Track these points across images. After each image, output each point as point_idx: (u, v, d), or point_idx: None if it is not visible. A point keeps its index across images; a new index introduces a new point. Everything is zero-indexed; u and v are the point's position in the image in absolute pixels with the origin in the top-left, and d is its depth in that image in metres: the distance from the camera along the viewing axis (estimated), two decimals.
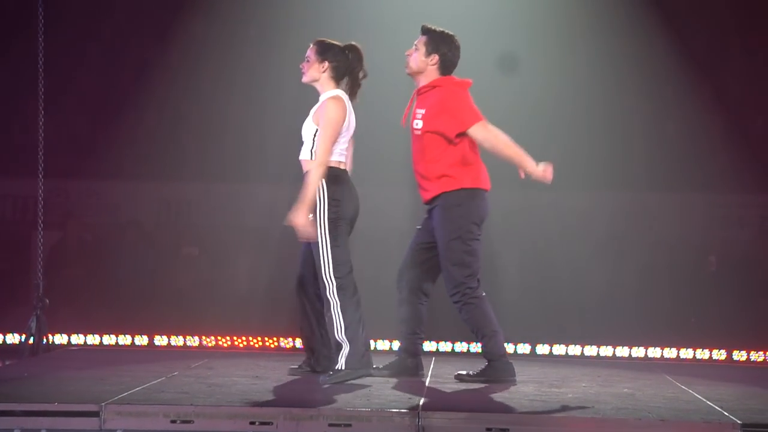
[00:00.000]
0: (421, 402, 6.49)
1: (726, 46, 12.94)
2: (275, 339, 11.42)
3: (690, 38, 12.79)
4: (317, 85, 7.44)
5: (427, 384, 7.32)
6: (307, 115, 7.52)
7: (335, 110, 7.25)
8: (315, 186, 7.15)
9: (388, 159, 10.92)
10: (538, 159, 7.87)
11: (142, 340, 11.42)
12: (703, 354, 11.05)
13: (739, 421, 6.17)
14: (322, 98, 7.40)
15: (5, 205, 12.66)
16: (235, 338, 11.42)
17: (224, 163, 12.42)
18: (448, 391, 7.10)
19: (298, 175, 7.73)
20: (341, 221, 7.20)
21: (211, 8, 12.61)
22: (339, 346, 7.16)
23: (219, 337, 11.43)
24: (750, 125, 12.72)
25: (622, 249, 12.14)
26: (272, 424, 6.06)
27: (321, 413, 6.12)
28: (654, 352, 11.09)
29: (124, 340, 11.42)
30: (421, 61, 7.55)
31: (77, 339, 11.43)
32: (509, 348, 11.41)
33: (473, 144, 7.51)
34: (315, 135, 7.26)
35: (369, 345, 7.32)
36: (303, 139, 7.38)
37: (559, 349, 11.15)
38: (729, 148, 12.07)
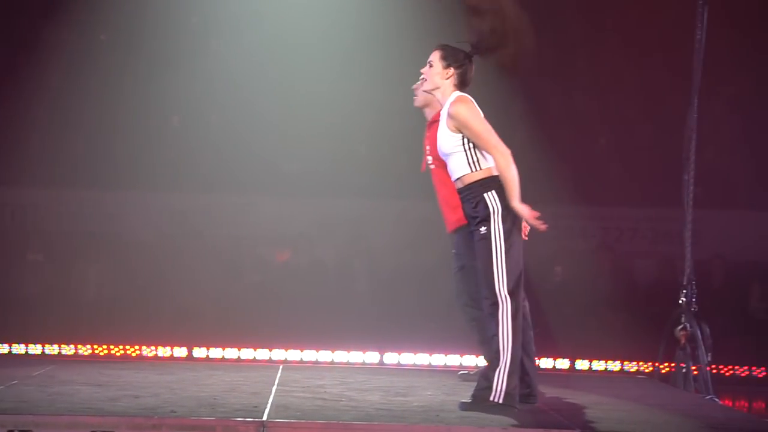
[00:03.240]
0: (267, 410, 6.49)
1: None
2: (122, 347, 11.30)
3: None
4: (438, 93, 6.94)
5: (273, 392, 7.31)
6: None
7: (468, 107, 6.78)
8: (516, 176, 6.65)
9: None
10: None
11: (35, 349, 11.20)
12: (546, 363, 11.26)
13: (578, 431, 6.30)
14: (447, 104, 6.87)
15: None
16: (79, 346, 11.26)
17: (72, 167, 12.25)
18: (295, 399, 7.09)
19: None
20: (515, 231, 6.73)
21: (58, 9, 12.46)
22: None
23: (63, 345, 11.26)
24: (591, 141, 13.04)
25: None
26: None
27: (163, 423, 6.08)
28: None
29: (18, 349, 11.19)
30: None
31: None
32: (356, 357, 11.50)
33: None
34: (465, 141, 6.74)
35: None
36: (445, 156, 6.82)
37: (406, 359, 11.25)
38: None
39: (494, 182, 6.70)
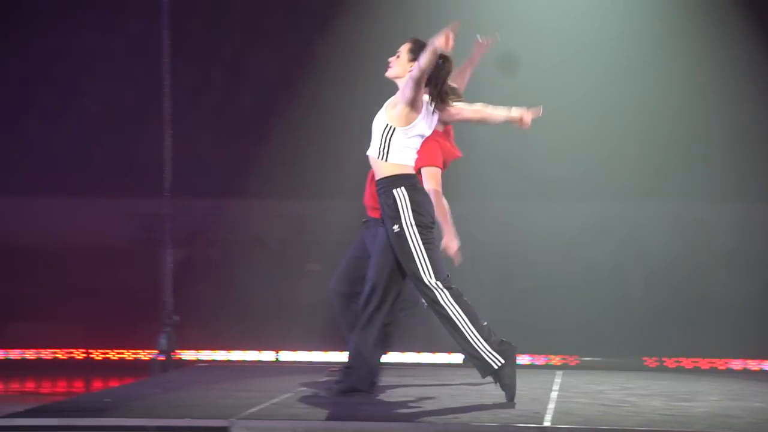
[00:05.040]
0: (548, 416, 6.46)
1: None
2: (402, 353, 11.47)
3: None
4: (400, 82, 7.13)
5: (553, 397, 7.28)
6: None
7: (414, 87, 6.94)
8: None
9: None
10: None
11: (268, 356, 11.55)
12: None
13: None
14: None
15: (132, 223, 12.90)
16: None
17: (346, 179, 12.49)
18: (575, 405, 7.05)
19: None
20: (427, 228, 6.96)
21: (331, 26, 12.73)
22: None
23: (343, 352, 11.50)
24: None
25: (748, 260, 11.96)
26: None
27: (448, 429, 6.15)
28: None
29: (251, 355, 11.55)
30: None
31: (206, 355, 11.60)
32: (636, 362, 11.35)
33: None
34: (385, 131, 6.99)
35: None
36: (372, 135, 7.12)
37: (687, 363, 11.02)
38: None
39: (405, 180, 6.89)
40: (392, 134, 6.98)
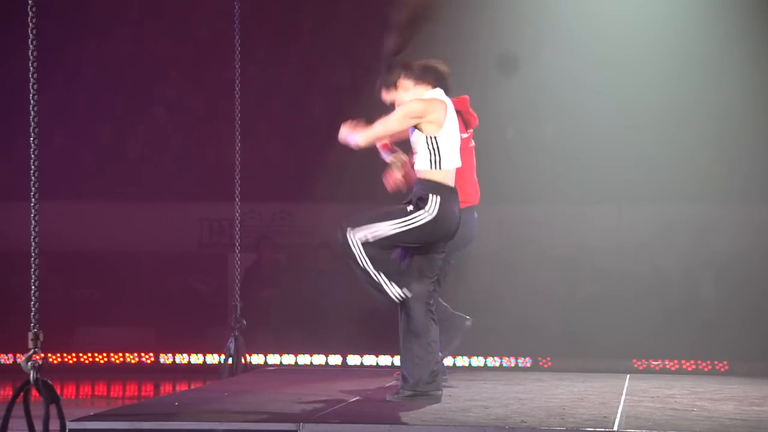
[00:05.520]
0: (617, 420, 6.42)
1: None
2: (465, 358, 11.44)
3: None
4: (399, 97, 7.00)
5: (622, 401, 7.23)
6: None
7: (416, 103, 6.88)
8: (373, 133, 6.92)
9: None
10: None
11: (335, 360, 11.58)
12: None
13: None
14: None
15: (202, 228, 13.00)
16: None
17: None
18: (645, 408, 7.00)
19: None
20: (425, 235, 6.87)
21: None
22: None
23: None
24: None
25: None
26: None
27: None
28: None
29: (318, 359, 11.59)
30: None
31: (273, 359, 11.66)
32: (707, 366, 11.25)
33: None
34: (429, 142, 6.84)
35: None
36: (416, 151, 6.94)
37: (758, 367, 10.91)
38: None
39: (445, 190, 6.84)
40: (436, 141, 6.88)
